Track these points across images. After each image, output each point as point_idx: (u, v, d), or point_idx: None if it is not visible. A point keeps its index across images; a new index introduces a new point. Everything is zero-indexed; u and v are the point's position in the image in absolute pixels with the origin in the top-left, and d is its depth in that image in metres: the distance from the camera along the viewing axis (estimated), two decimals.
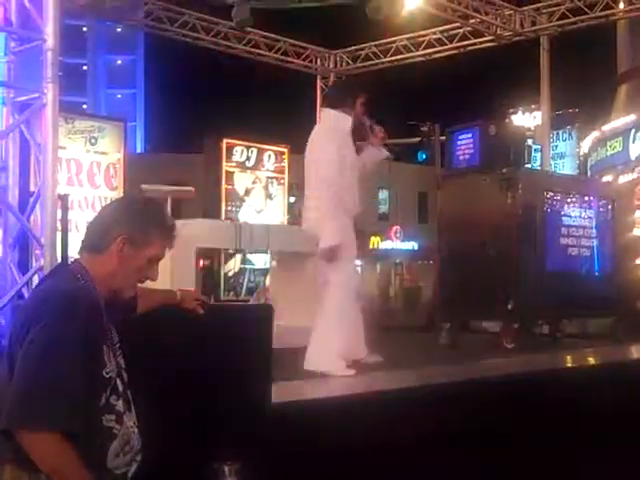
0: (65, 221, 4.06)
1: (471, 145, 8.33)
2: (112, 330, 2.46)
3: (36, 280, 3.81)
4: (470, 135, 8.37)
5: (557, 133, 21.65)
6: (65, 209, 4.08)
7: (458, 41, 13.17)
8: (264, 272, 10.94)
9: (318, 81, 14.16)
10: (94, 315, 2.29)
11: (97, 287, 2.40)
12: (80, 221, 9.31)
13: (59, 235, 4.12)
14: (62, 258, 4.01)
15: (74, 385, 2.18)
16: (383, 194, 36.52)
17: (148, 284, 2.62)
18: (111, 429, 2.31)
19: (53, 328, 2.20)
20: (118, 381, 2.38)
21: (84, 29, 52.32)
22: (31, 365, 2.17)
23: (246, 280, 11.57)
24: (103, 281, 2.42)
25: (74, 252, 4.85)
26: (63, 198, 4.01)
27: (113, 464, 2.31)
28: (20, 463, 2.21)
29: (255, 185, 13.13)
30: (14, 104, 3.69)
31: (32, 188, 4.40)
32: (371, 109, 5.41)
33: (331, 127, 5.15)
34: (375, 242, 33.89)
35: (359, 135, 5.25)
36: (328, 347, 5.02)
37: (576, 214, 8.42)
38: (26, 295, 3.60)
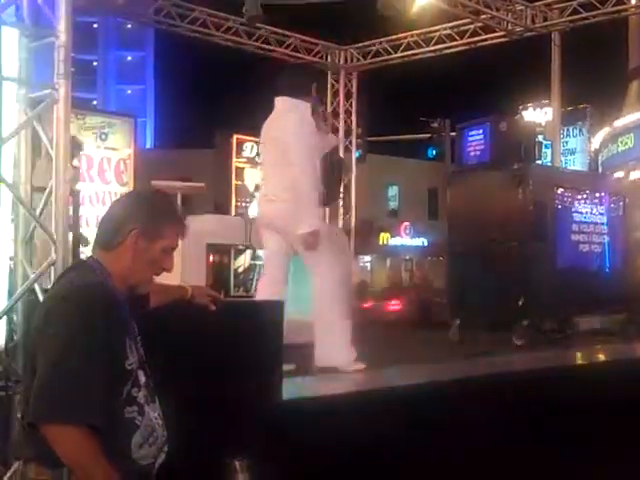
0: (77, 217, 4.07)
1: (482, 141, 8.32)
2: (133, 323, 2.48)
3: (47, 276, 3.82)
4: (481, 131, 8.36)
5: (567, 129, 21.56)
6: (76, 205, 4.10)
7: (469, 37, 13.11)
8: None
9: (329, 77, 14.14)
10: (112, 308, 2.32)
11: (115, 282, 2.43)
12: (91, 216, 9.36)
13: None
14: (73, 254, 4.03)
15: (96, 378, 2.20)
16: (393, 190, 36.48)
17: (163, 276, 2.64)
18: (133, 420, 2.33)
19: (73, 323, 2.23)
20: (140, 373, 2.41)
21: (94, 25, 52.45)
22: (53, 360, 2.20)
23: (256, 276, 11.56)
24: (120, 276, 2.45)
25: (84, 247, 4.88)
26: (74, 194, 4.01)
27: (138, 455, 2.33)
28: (43, 460, 2.24)
29: None
30: (26, 100, 3.70)
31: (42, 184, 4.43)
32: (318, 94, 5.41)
33: (305, 115, 5.08)
34: (385, 238, 33.88)
35: (315, 122, 5.16)
36: (333, 341, 4.98)
37: (587, 210, 8.40)
38: (38, 291, 3.61)
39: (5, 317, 3.76)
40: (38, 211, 3.66)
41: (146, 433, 2.35)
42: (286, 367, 4.68)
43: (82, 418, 2.16)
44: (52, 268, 3.61)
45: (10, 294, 3.82)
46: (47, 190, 3.59)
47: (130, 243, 2.43)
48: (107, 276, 2.41)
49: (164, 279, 2.81)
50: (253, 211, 8.29)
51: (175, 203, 2.66)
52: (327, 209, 5.53)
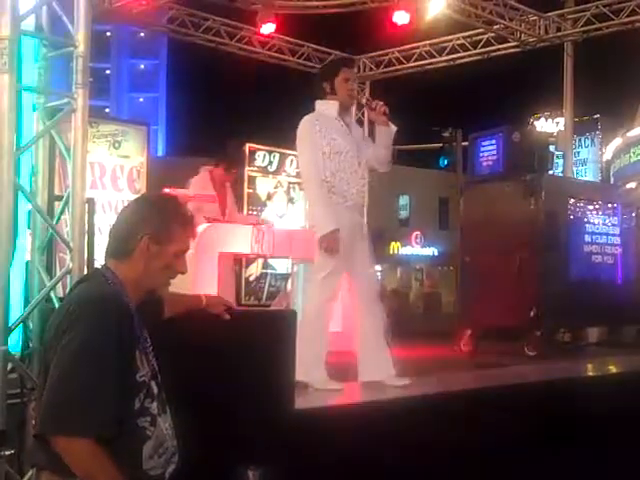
0: (92, 225, 4.09)
1: (495, 151, 8.31)
2: (145, 334, 2.48)
3: (62, 284, 3.84)
4: (494, 141, 8.35)
5: (579, 139, 21.53)
6: (92, 213, 4.11)
7: (482, 47, 13.12)
8: (285, 277, 10.95)
9: None
10: (124, 319, 2.32)
11: (128, 291, 2.42)
12: (103, 224, 9.36)
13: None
14: (88, 261, 4.05)
15: (107, 390, 2.20)
16: (404, 199, 36.44)
17: (176, 285, 2.64)
18: (145, 430, 2.33)
19: (85, 334, 2.23)
20: (153, 384, 2.40)
21: (108, 34, 52.72)
22: (64, 371, 2.20)
23: (267, 285, 11.59)
24: (134, 284, 2.45)
25: (99, 255, 4.89)
26: (89, 202, 4.03)
27: (148, 465, 2.33)
28: (55, 468, 2.24)
29: (277, 190, 13.16)
30: (44, 109, 3.73)
31: (57, 192, 4.46)
32: (355, 79, 5.16)
33: (307, 119, 4.94)
34: (395, 247, 33.83)
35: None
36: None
37: (600, 221, 8.38)
38: (54, 299, 3.63)
39: (21, 324, 3.78)
40: (55, 220, 3.69)
41: (157, 444, 2.36)
42: (334, 386, 4.68)
43: (91, 430, 2.17)
44: (68, 276, 3.64)
45: (26, 301, 3.85)
46: (64, 198, 3.62)
47: (142, 250, 2.43)
48: (120, 285, 2.40)
49: (179, 286, 2.82)
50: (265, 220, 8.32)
51: (183, 205, 2.64)
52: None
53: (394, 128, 5.07)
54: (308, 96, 5.23)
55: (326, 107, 4.97)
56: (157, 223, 2.45)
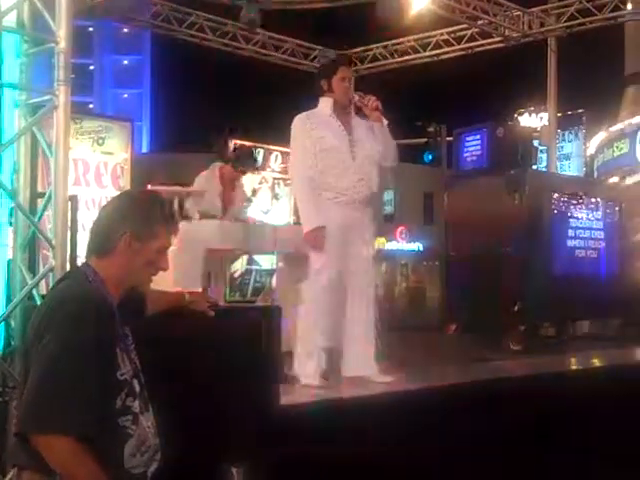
0: (75, 222, 4.08)
1: (479, 147, 8.35)
2: (127, 331, 2.47)
3: (45, 282, 3.82)
4: (478, 137, 8.39)
5: (563, 134, 21.60)
6: (74, 210, 4.10)
7: (466, 42, 13.16)
8: (270, 273, 10.94)
9: None
10: (104, 318, 2.31)
11: (109, 289, 2.41)
12: (87, 222, 9.29)
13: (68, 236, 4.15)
14: (71, 259, 4.03)
15: (87, 388, 2.20)
16: (388, 195, 36.43)
17: (158, 281, 2.63)
18: (126, 429, 2.32)
19: (64, 334, 2.22)
20: (135, 382, 2.40)
21: (90, 29, 52.38)
22: (44, 370, 2.19)
23: (252, 281, 11.57)
24: (116, 281, 2.43)
25: (82, 252, 4.88)
26: (72, 199, 4.02)
27: (130, 464, 2.32)
28: (36, 467, 2.23)
29: (262, 185, 13.16)
30: (26, 106, 3.70)
31: (39, 189, 4.43)
32: (352, 77, 5.19)
33: (298, 117, 4.97)
34: (380, 243, 33.87)
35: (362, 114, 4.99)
36: (362, 350, 4.87)
37: (583, 216, 8.42)
38: (36, 297, 3.61)
39: (3, 322, 3.76)
40: (37, 217, 3.67)
41: (139, 442, 2.35)
42: (318, 382, 4.67)
43: (71, 428, 2.15)
44: (51, 274, 3.62)
45: (8, 299, 3.83)
46: (46, 196, 3.60)
47: (123, 247, 2.41)
48: (101, 283, 2.39)
49: (163, 284, 2.82)
50: (250, 216, 8.29)
51: (164, 201, 2.60)
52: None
53: (384, 121, 5.07)
54: (293, 92, 5.27)
55: (322, 105, 5.03)
56: (139, 220, 2.44)
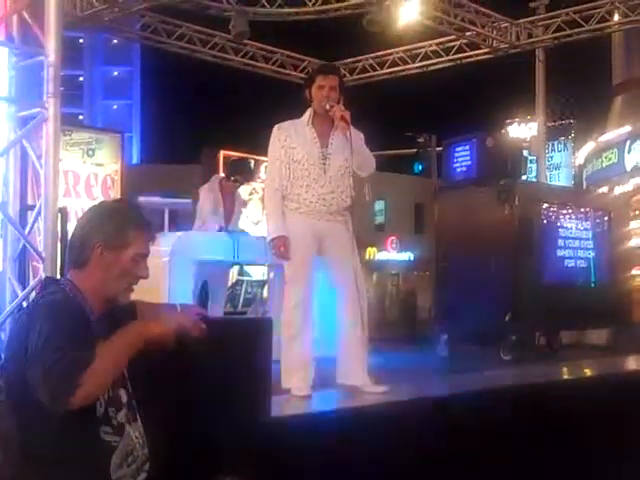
0: (65, 234, 4.07)
1: (468, 157, 8.37)
2: None
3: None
4: (467, 147, 8.41)
5: (552, 144, 21.74)
6: (64, 222, 4.09)
7: (454, 53, 13.23)
8: (261, 284, 10.93)
9: None
10: (79, 319, 2.29)
11: (89, 301, 2.39)
12: None
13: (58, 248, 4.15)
14: (61, 271, 4.02)
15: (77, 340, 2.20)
16: (379, 205, 36.53)
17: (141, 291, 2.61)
18: (109, 442, 2.30)
19: (47, 325, 2.20)
20: (122, 392, 2.38)
21: (80, 41, 52.39)
22: (39, 349, 2.16)
23: (243, 292, 11.55)
24: (94, 293, 2.41)
25: None
26: (62, 211, 4.01)
27: (116, 475, 2.31)
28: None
29: (252, 196, 13.15)
30: (15, 119, 3.70)
31: (29, 201, 4.43)
32: (334, 87, 4.95)
33: (274, 128, 4.96)
34: (371, 253, 33.88)
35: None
36: (356, 358, 4.86)
37: (573, 226, 8.46)
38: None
39: None
40: (27, 229, 3.66)
41: (124, 453, 2.33)
42: (306, 392, 4.63)
43: (80, 369, 2.14)
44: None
45: None
46: (36, 208, 3.59)
47: (96, 258, 2.39)
48: (80, 295, 2.37)
49: (153, 297, 2.81)
50: (240, 226, 8.29)
51: (138, 208, 2.57)
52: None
53: (358, 134, 5.02)
54: (282, 102, 5.26)
55: (305, 115, 5.01)
56: (109, 229, 2.41)
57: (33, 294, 3.76)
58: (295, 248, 4.79)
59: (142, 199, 7.66)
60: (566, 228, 8.38)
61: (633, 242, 12.07)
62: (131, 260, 2.43)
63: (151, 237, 2.52)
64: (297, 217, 4.84)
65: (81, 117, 50.37)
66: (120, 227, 2.42)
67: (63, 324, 2.21)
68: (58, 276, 3.74)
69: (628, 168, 16.00)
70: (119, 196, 10.61)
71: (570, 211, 8.48)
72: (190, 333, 2.57)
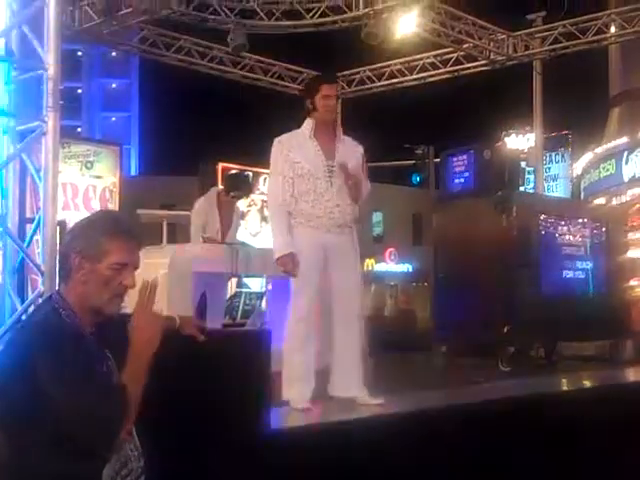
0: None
1: (466, 168, 8.40)
2: (107, 354, 2.43)
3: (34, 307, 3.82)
4: (465, 158, 8.44)
5: (550, 155, 21.77)
6: (63, 235, 4.10)
7: (452, 65, 13.28)
8: (260, 295, 10.92)
9: None
10: (74, 343, 2.28)
11: (78, 314, 2.37)
12: None
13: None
14: (59, 285, 4.03)
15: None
16: (377, 216, 36.57)
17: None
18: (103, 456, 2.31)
19: (52, 365, 2.22)
20: None
21: (79, 53, 52.51)
22: (68, 389, 2.22)
23: (242, 303, 11.53)
24: (80, 305, 2.38)
25: None
26: (61, 224, 4.02)
27: None
28: None
29: (250, 208, 13.18)
30: (14, 132, 3.71)
31: (28, 214, 4.43)
32: (337, 95, 4.92)
33: (275, 141, 4.88)
34: (369, 264, 33.87)
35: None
36: (351, 370, 4.86)
37: (570, 236, 8.47)
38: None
39: None
40: (26, 242, 3.67)
41: (118, 466, 2.32)
42: (304, 405, 4.63)
43: (116, 409, 2.27)
44: (40, 299, 3.61)
45: None
46: (35, 221, 3.60)
47: (76, 269, 2.37)
48: (69, 309, 2.36)
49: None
50: (239, 238, 8.29)
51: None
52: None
53: (357, 147, 5.04)
54: (280, 114, 5.22)
55: (304, 126, 4.90)
56: (84, 240, 2.39)
57: (32, 308, 3.77)
58: (302, 262, 4.73)
59: (140, 211, 7.62)
60: (564, 239, 8.39)
61: (631, 253, 12.07)
62: (109, 269, 2.38)
63: (135, 246, 2.47)
64: (304, 230, 4.79)
65: (79, 129, 50.42)
66: (94, 236, 2.39)
67: (71, 357, 2.24)
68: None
69: (626, 179, 16.01)
70: (117, 208, 10.64)
71: (568, 222, 8.49)
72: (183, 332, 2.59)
